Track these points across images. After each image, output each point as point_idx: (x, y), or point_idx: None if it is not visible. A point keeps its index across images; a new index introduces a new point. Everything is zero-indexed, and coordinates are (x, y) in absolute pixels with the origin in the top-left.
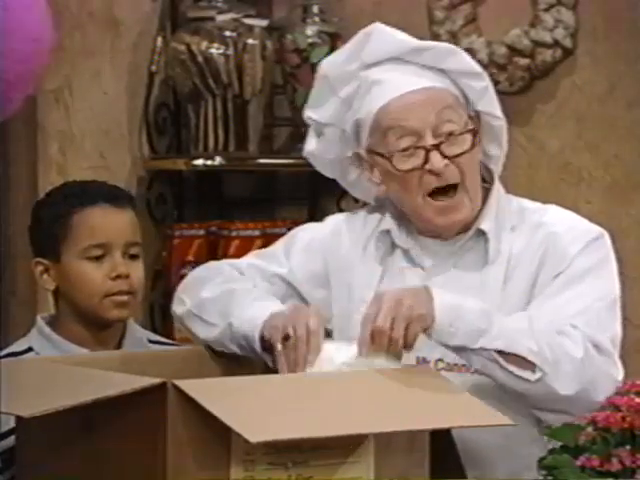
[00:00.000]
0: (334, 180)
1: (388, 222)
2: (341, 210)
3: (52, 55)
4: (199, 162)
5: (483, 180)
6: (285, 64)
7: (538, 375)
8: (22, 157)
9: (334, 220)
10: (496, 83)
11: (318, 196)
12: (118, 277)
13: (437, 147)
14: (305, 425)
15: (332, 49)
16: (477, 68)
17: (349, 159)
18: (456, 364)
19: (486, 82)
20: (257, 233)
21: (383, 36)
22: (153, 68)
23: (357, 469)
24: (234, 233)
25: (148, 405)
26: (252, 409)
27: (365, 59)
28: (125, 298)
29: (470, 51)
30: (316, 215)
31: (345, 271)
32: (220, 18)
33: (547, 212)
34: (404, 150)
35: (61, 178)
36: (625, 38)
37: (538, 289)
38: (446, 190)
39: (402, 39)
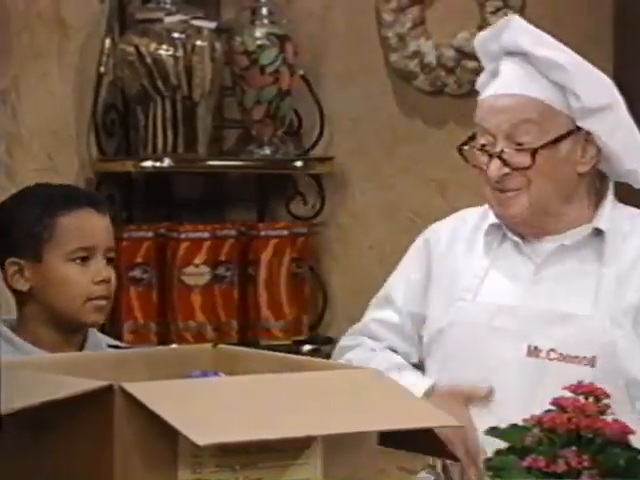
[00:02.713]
0: (283, 182)
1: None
2: (290, 212)
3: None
4: (148, 164)
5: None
6: (234, 66)
7: None
8: None
9: (437, 225)
10: (444, 85)
11: (267, 198)
12: (102, 281)
13: (499, 155)
14: (253, 427)
15: (281, 51)
16: (599, 99)
17: None
18: (569, 354)
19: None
20: (206, 235)
21: (517, 30)
22: (101, 69)
23: (305, 471)
24: (183, 235)
25: (96, 408)
26: (200, 411)
27: (501, 45)
28: (104, 303)
29: (418, 54)
30: (265, 217)
31: (446, 268)
32: (168, 20)
33: None
34: (480, 146)
35: (8, 179)
36: (573, 41)
37: None
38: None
39: (530, 41)
